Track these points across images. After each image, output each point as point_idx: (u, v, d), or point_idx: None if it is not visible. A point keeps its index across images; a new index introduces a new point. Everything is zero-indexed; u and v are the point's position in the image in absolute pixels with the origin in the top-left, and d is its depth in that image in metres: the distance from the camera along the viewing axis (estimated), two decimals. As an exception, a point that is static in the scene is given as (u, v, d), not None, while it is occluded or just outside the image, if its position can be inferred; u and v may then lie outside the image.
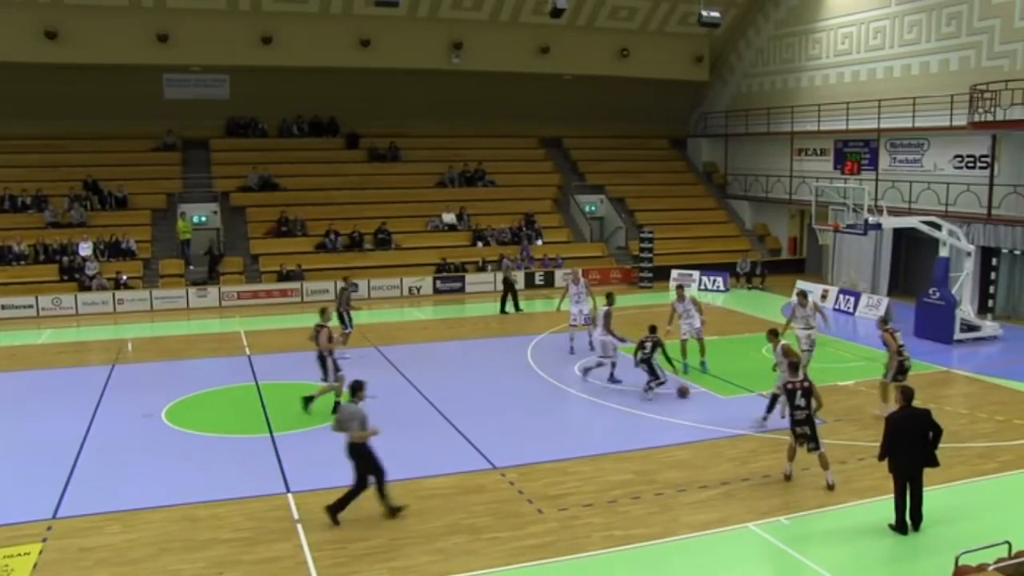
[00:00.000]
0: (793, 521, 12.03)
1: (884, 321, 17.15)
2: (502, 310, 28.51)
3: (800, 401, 13.01)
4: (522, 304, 28.93)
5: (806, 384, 13.21)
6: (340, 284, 24.58)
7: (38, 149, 34.51)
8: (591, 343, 22.60)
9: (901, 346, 16.35)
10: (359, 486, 12.11)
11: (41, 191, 32.75)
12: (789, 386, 13.14)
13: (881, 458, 11.80)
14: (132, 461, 14.64)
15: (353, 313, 23.29)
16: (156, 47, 33.29)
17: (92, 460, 14.72)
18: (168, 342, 24.91)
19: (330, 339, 17.60)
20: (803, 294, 19.86)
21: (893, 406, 15.26)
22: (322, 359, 17.48)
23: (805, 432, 13.05)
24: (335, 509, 12.02)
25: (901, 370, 16.19)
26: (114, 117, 35.26)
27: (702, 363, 20.28)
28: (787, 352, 15.99)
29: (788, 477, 13.37)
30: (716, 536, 11.64)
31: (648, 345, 17.83)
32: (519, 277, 33.18)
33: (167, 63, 34.44)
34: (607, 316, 19.24)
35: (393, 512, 12.22)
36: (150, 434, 16.11)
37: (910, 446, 11.53)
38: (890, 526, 11.62)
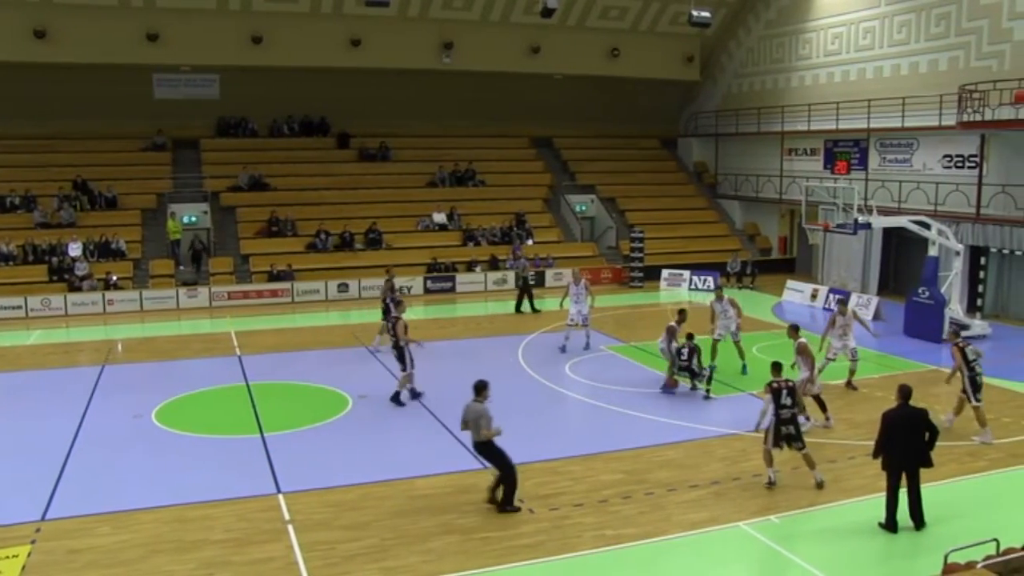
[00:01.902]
0: (784, 520, 12.06)
1: (956, 333, 16.21)
2: (533, 309, 28.37)
3: (786, 400, 13.02)
4: (523, 307, 28.75)
5: (790, 383, 13.23)
6: (384, 277, 25.52)
7: (27, 149, 34.36)
8: (587, 344, 22.71)
9: (973, 361, 15.23)
10: (509, 473, 12.43)
11: (30, 191, 32.61)
12: (775, 385, 13.12)
13: (876, 455, 11.85)
14: (122, 462, 14.60)
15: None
16: (146, 47, 33.18)
17: (82, 461, 14.66)
18: (158, 343, 24.85)
19: (406, 330, 17.92)
20: (843, 302, 19.30)
21: (987, 431, 15.16)
22: (399, 350, 17.87)
23: (791, 432, 13.04)
24: (505, 503, 12.40)
25: (974, 386, 15.21)
26: (103, 117, 35.17)
27: (744, 367, 20.13)
28: (802, 350, 15.97)
29: (772, 483, 13.20)
30: (707, 535, 11.67)
31: (685, 352, 18.15)
32: (508, 277, 33.24)
33: (157, 63, 34.33)
34: (670, 331, 18.88)
35: (497, 504, 12.49)
36: (140, 435, 16.06)
37: (905, 444, 11.57)
38: (880, 524, 11.66)
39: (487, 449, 12.51)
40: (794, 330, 16.74)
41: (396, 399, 17.82)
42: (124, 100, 35.12)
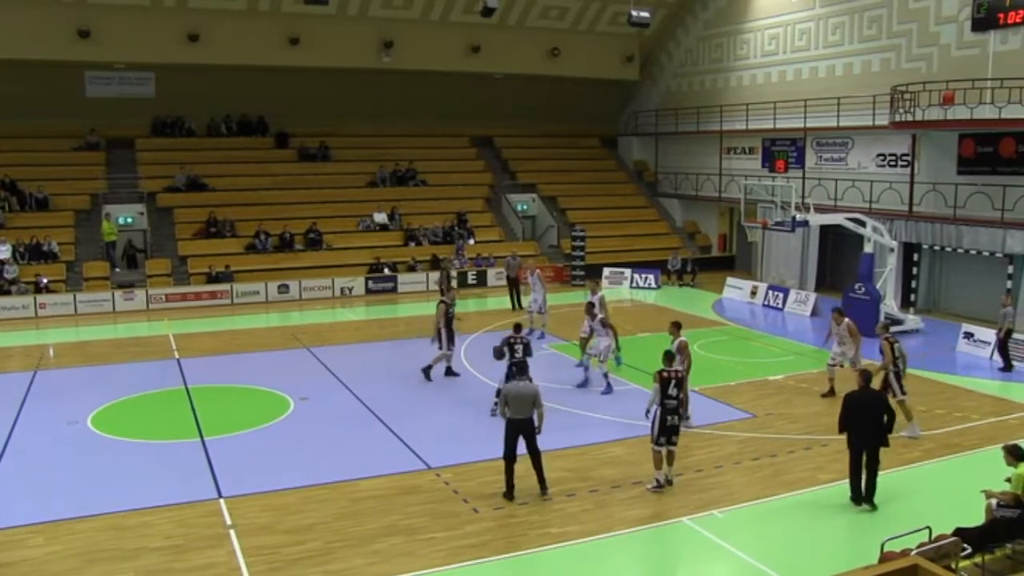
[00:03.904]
0: (726, 515, 12.22)
1: (886, 327, 16.20)
2: (518, 305, 28.52)
3: (672, 391, 12.99)
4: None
5: (679, 374, 13.28)
6: (441, 265, 26.89)
7: (-48, 149, 33.30)
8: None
9: (897, 358, 15.57)
10: (535, 456, 12.90)
11: (-44, 192, 31.63)
12: (664, 374, 13.03)
13: (841, 431, 12.58)
14: (56, 470, 14.22)
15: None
16: (77, 43, 32.28)
17: (12, 470, 14.25)
18: (93, 346, 24.27)
19: (446, 317, 19.53)
20: (839, 311, 18.58)
21: (914, 424, 15.57)
22: (438, 330, 19.74)
23: (675, 422, 13.01)
24: (543, 487, 12.94)
25: (900, 381, 15.55)
26: (33, 116, 34.05)
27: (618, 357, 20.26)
28: (682, 348, 15.97)
29: (666, 484, 13.09)
30: (651, 531, 11.77)
31: (519, 347, 16.85)
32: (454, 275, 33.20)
33: (89, 60, 33.49)
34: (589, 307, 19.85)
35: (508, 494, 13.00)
36: (75, 441, 15.67)
37: (863, 424, 12.36)
38: (851, 499, 12.47)
39: (532, 428, 12.77)
40: (675, 327, 16.65)
41: (426, 372, 19.59)
42: (55, 98, 34.13)
